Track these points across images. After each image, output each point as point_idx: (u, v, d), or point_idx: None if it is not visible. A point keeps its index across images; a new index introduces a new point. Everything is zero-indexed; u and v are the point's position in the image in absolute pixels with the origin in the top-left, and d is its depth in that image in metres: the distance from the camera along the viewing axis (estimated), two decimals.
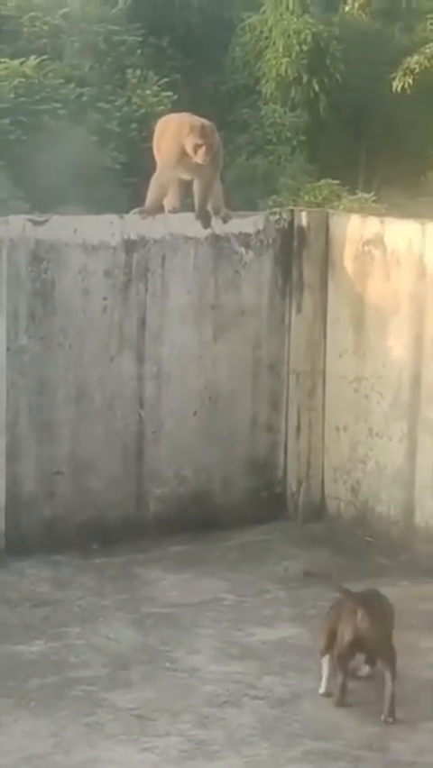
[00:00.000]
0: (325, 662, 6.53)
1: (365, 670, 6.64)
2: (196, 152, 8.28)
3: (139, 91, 20.58)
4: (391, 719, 6.28)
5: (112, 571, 8.02)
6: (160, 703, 6.36)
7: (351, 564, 8.16)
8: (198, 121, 8.46)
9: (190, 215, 8.67)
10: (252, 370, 9.01)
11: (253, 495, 8.97)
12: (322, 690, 6.50)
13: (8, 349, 8.15)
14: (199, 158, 8.28)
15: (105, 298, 8.45)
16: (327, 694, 6.46)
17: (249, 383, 9.01)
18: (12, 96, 18.09)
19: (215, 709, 6.32)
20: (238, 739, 6.05)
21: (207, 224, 8.62)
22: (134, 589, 7.78)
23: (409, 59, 22.31)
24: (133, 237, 8.50)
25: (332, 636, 6.45)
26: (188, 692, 6.50)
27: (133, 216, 8.54)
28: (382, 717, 6.27)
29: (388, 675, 6.36)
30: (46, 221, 8.34)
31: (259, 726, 6.17)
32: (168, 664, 6.80)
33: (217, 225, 8.71)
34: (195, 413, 8.79)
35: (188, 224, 8.64)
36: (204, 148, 8.25)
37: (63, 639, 7.05)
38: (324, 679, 6.51)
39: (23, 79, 18.58)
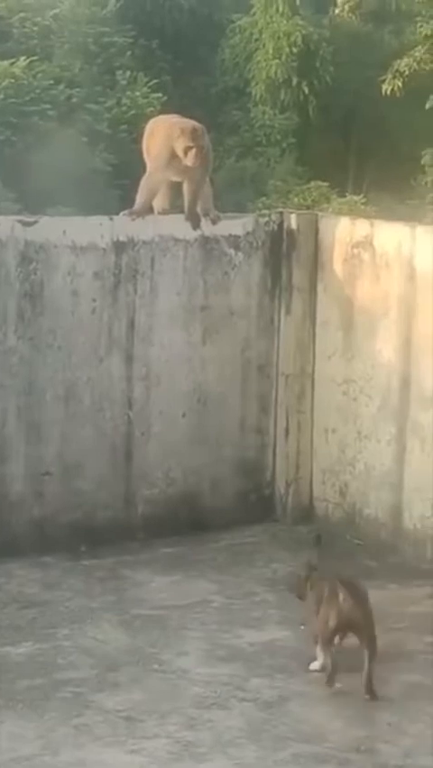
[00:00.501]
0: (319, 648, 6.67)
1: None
2: (186, 155, 8.29)
3: (129, 92, 20.62)
4: (367, 696, 6.39)
5: (100, 572, 8.01)
6: (148, 705, 6.36)
7: (339, 567, 8.16)
8: (189, 123, 8.47)
9: (180, 217, 8.68)
10: (241, 372, 9.01)
11: (242, 497, 8.98)
12: (316, 666, 6.68)
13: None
14: (190, 160, 8.29)
15: (94, 300, 8.45)
16: (321, 671, 6.63)
17: (238, 385, 9.01)
18: (1, 96, 18.11)
19: (203, 711, 6.32)
20: (226, 741, 6.04)
21: (196, 225, 8.62)
22: (123, 590, 7.77)
23: (398, 61, 22.35)
24: (122, 239, 8.50)
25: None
26: (176, 694, 6.49)
27: (122, 218, 8.54)
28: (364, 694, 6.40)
29: (367, 654, 6.47)
30: (35, 222, 8.34)
31: (247, 729, 6.17)
32: (156, 666, 6.79)
33: (207, 227, 8.72)
34: (184, 414, 8.79)
35: (177, 226, 8.64)
36: (194, 150, 8.26)
37: (51, 641, 7.04)
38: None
39: (12, 80, 18.60)
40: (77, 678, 6.63)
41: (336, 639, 6.65)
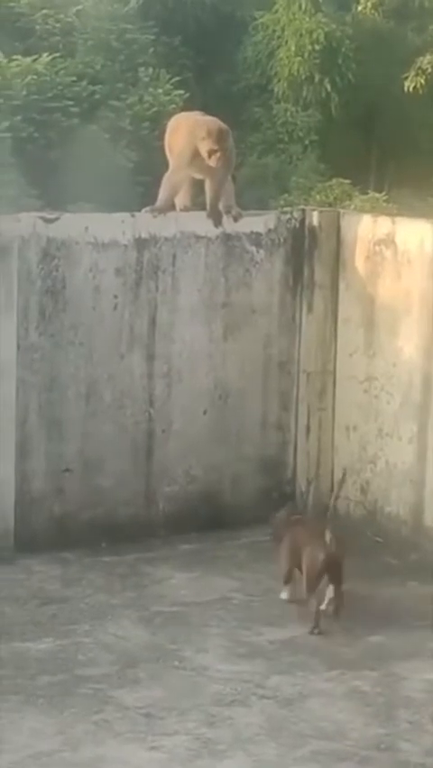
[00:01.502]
0: (286, 589, 7.33)
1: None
2: (210, 157, 8.28)
3: (151, 89, 20.57)
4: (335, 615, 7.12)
5: (121, 569, 8.02)
6: (167, 702, 6.36)
7: (360, 564, 8.15)
8: (214, 124, 8.45)
9: (202, 214, 8.67)
10: (262, 369, 9.01)
11: (263, 494, 8.96)
12: (286, 596, 7.36)
13: (18, 346, 8.15)
14: (213, 162, 8.29)
15: (115, 296, 8.45)
16: (292, 600, 7.28)
17: (259, 382, 9.00)
18: (24, 93, 18.10)
19: (222, 708, 6.31)
20: (246, 738, 6.04)
21: (218, 222, 8.61)
22: (143, 587, 7.78)
23: (421, 58, 22.26)
24: (144, 235, 8.50)
25: (295, 564, 7.18)
26: (195, 691, 6.49)
27: (144, 215, 8.54)
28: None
29: (335, 589, 7.17)
30: (57, 218, 8.34)
31: (266, 726, 6.17)
32: (176, 663, 6.80)
33: (228, 224, 8.71)
34: (205, 411, 8.79)
35: (199, 223, 8.64)
36: (218, 153, 8.26)
37: (71, 637, 7.06)
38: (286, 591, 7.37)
39: (35, 77, 18.59)
40: (97, 674, 6.63)
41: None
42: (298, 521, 7.48)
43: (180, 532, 8.50)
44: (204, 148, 8.28)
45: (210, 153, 8.27)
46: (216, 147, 8.27)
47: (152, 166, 12.09)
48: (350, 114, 24.10)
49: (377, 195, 20.54)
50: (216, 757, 5.88)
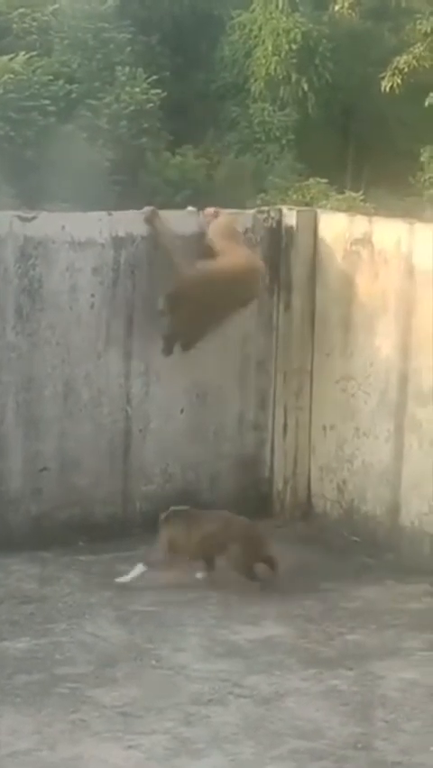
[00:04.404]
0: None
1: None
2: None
3: (128, 88, 20.59)
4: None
5: (98, 567, 8.02)
6: (145, 701, 6.36)
7: (336, 563, 8.18)
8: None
9: (179, 213, 8.66)
10: (239, 368, 9.01)
11: (240, 493, 8.97)
12: (201, 575, 7.81)
13: None
14: None
15: (92, 295, 8.44)
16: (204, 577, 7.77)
17: (237, 381, 9.01)
18: (0, 92, 18.09)
19: (200, 707, 6.32)
20: (223, 737, 6.05)
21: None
22: (120, 586, 7.77)
23: (397, 58, 22.37)
24: (121, 234, 8.49)
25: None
26: (173, 690, 6.50)
27: (120, 213, 8.53)
28: None
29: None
30: (34, 217, 8.33)
31: (244, 725, 6.18)
32: (153, 662, 6.80)
33: (204, 223, 8.70)
34: (182, 410, 8.79)
35: (176, 222, 8.63)
36: None
37: (49, 636, 7.05)
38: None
39: (12, 75, 18.59)
40: (74, 673, 6.63)
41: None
42: (176, 515, 7.95)
43: (158, 531, 8.48)
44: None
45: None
46: None
47: (128, 165, 12.11)
48: (327, 113, 24.17)
49: (354, 194, 20.61)
50: (193, 756, 5.88)
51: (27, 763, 5.79)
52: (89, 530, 8.37)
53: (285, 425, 9.11)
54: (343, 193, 20.74)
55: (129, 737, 6.01)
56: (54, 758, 5.83)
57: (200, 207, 8.96)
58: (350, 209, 16.53)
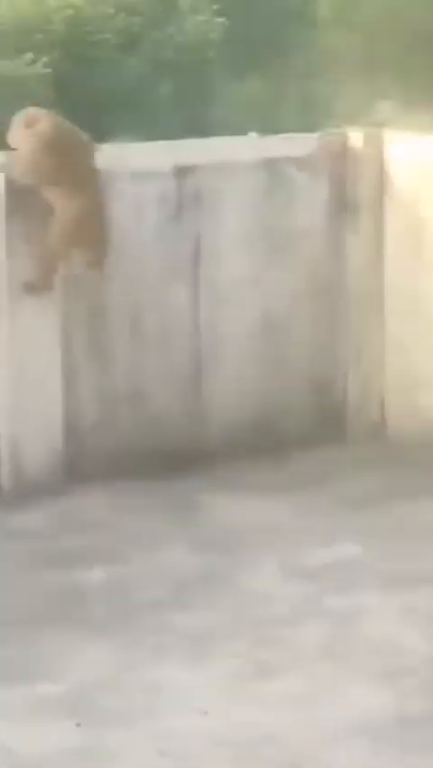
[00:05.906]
0: None
1: None
2: None
3: (191, 18, 20.41)
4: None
5: (173, 496, 8.05)
6: (221, 625, 6.40)
7: (412, 484, 8.14)
8: None
9: (242, 139, 8.60)
10: (309, 294, 8.95)
11: (314, 418, 8.95)
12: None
13: (62, 277, 8.15)
14: None
15: (157, 225, 8.42)
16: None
17: (307, 307, 8.95)
18: (62, 27, 18.04)
19: (276, 630, 6.34)
20: (300, 659, 6.07)
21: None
22: (196, 514, 7.81)
23: None
24: (184, 163, 8.45)
25: None
26: (250, 613, 6.53)
27: (182, 143, 8.48)
28: None
29: None
30: (98, 149, 8.30)
31: (322, 646, 6.19)
32: (229, 587, 6.83)
33: (270, 149, 8.63)
34: (253, 338, 8.77)
35: (239, 149, 8.57)
36: None
37: (125, 565, 7.10)
38: None
39: (72, 11, 18.52)
40: (151, 600, 6.69)
41: None
42: None
43: (232, 459, 8.51)
44: None
45: None
46: None
47: (193, 94, 12.04)
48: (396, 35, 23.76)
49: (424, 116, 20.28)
50: (269, 678, 5.92)
51: (109, 687, 5.86)
52: (164, 459, 8.39)
53: (357, 349, 9.05)
54: (414, 114, 20.44)
55: (206, 661, 6.05)
56: (135, 682, 5.90)
57: (264, 133, 8.90)
58: (420, 130, 16.29)
